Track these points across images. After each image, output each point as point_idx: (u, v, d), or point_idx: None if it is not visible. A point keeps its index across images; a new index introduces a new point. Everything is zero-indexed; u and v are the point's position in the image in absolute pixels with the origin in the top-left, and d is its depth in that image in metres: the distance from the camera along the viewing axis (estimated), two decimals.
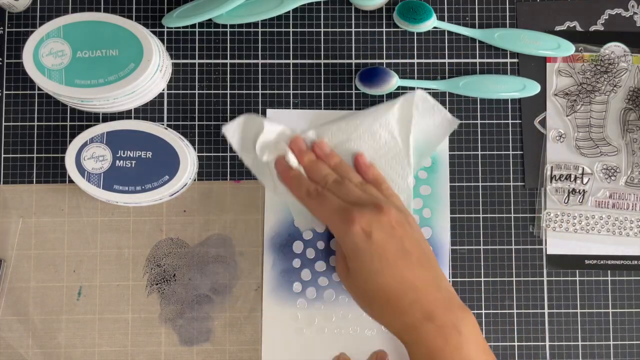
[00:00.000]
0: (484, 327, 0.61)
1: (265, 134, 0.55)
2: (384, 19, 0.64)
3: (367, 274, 0.48)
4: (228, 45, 0.63)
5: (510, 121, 0.63)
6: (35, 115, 0.62)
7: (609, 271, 0.62)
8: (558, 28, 0.64)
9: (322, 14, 0.64)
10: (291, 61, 0.63)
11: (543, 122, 0.63)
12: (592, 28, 0.64)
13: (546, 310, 0.61)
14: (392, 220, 0.49)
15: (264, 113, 0.63)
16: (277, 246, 0.61)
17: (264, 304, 0.60)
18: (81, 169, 0.57)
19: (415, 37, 0.64)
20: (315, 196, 0.51)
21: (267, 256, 0.61)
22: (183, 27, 0.63)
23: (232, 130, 0.56)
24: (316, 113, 0.62)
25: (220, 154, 0.62)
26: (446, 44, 0.64)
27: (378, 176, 0.56)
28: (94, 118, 0.62)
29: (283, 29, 0.63)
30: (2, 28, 0.63)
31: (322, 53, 0.63)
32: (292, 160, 0.55)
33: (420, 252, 0.49)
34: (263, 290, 0.61)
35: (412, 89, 0.63)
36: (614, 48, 0.63)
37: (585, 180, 0.62)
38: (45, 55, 0.56)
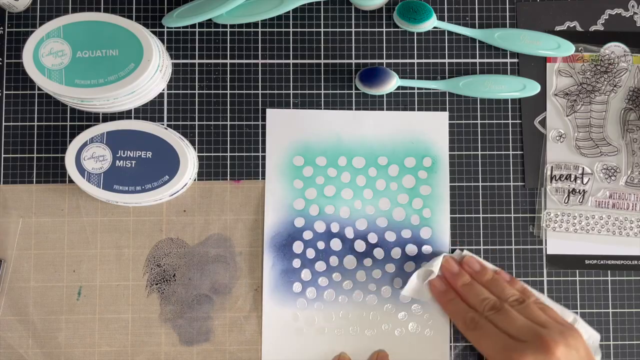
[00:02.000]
0: None
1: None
2: (384, 19, 0.64)
3: None
4: (228, 45, 0.63)
5: (510, 121, 0.63)
6: (35, 115, 0.62)
7: (609, 271, 0.62)
8: (558, 28, 0.64)
9: (322, 14, 0.64)
10: (291, 61, 0.63)
11: (543, 122, 0.63)
12: (592, 28, 0.64)
13: None
14: (560, 357, 0.47)
15: (264, 113, 0.63)
16: (277, 246, 0.61)
17: (264, 304, 0.60)
18: (81, 169, 0.57)
19: (415, 37, 0.64)
20: (474, 327, 0.50)
21: (267, 256, 0.61)
22: (183, 27, 0.63)
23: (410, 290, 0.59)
24: (317, 113, 0.62)
25: (220, 154, 0.62)
26: (446, 44, 0.64)
27: (524, 286, 0.55)
28: (94, 118, 0.62)
29: (283, 29, 0.63)
30: (2, 28, 0.63)
31: (322, 53, 0.63)
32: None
33: None
34: (263, 290, 0.61)
35: (412, 89, 0.63)
36: (614, 48, 0.63)
37: (585, 180, 0.62)
38: (45, 55, 0.56)
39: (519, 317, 0.50)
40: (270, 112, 0.62)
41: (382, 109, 0.63)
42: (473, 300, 0.52)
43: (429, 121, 0.63)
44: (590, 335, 0.58)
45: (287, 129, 0.62)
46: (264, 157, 0.62)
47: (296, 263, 0.61)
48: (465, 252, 0.60)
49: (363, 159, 0.62)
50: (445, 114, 0.63)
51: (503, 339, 0.49)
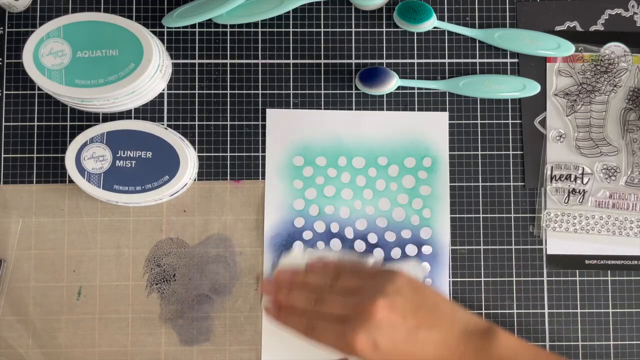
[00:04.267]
0: None
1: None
2: (384, 19, 0.64)
3: None
4: (228, 45, 0.63)
5: (510, 121, 0.63)
6: (35, 115, 0.62)
7: (609, 271, 0.62)
8: (558, 28, 0.64)
9: (322, 14, 0.64)
10: (291, 61, 0.63)
11: (543, 122, 0.63)
12: (592, 28, 0.64)
13: (546, 310, 0.61)
14: (384, 314, 0.47)
15: (264, 113, 0.63)
16: (277, 246, 0.61)
17: (263, 304, 0.60)
18: (81, 169, 0.57)
19: (415, 37, 0.64)
20: (311, 330, 0.50)
21: (267, 256, 0.61)
22: (183, 27, 0.63)
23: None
24: (317, 113, 0.62)
25: (220, 154, 0.62)
26: (446, 44, 0.64)
27: (337, 263, 0.54)
28: (94, 118, 0.62)
29: (283, 29, 0.63)
30: (2, 28, 0.63)
31: (322, 53, 0.63)
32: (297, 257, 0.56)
33: (425, 315, 0.48)
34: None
35: (412, 89, 0.63)
36: (614, 48, 0.63)
37: (585, 180, 0.62)
38: (45, 55, 0.56)
39: (338, 297, 0.50)
40: (271, 112, 0.62)
41: (382, 109, 0.63)
42: (299, 304, 0.51)
43: (429, 121, 0.63)
44: (409, 265, 0.58)
45: (287, 129, 0.62)
46: (264, 157, 0.62)
47: None
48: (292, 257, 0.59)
49: (363, 159, 0.62)
50: (445, 114, 0.63)
51: (335, 327, 0.48)
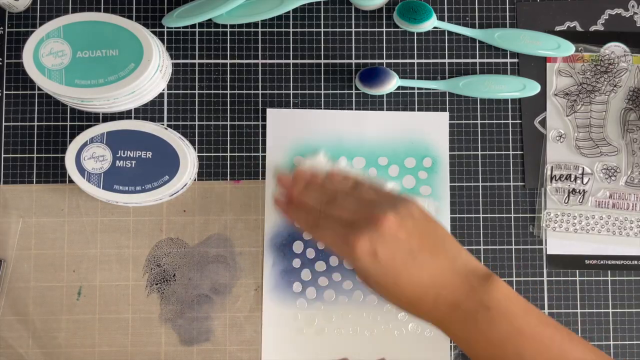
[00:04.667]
0: None
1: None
2: (384, 19, 0.64)
3: (384, 289, 0.48)
4: (228, 45, 0.63)
5: (510, 121, 0.63)
6: (35, 115, 0.62)
7: (609, 271, 0.62)
8: (558, 28, 0.64)
9: (322, 14, 0.64)
10: (291, 61, 0.63)
11: (543, 122, 0.63)
12: (592, 28, 0.64)
13: (546, 311, 0.61)
14: (392, 227, 0.47)
15: (264, 113, 0.63)
16: (277, 246, 0.61)
17: (264, 304, 0.60)
18: (81, 169, 0.57)
19: (415, 37, 0.64)
20: (315, 227, 0.50)
21: (267, 256, 0.61)
22: (183, 27, 0.63)
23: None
24: (317, 113, 0.62)
25: (220, 154, 0.62)
26: (446, 44, 0.64)
27: (358, 177, 0.55)
28: (94, 118, 0.62)
29: (283, 29, 0.63)
30: (2, 28, 0.63)
31: (322, 53, 0.63)
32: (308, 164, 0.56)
33: (430, 242, 0.48)
34: (263, 290, 0.61)
35: (412, 89, 0.63)
36: (614, 48, 0.63)
37: (585, 180, 0.62)
38: (45, 55, 0.55)
39: (351, 201, 0.50)
40: (271, 112, 0.62)
41: (382, 109, 0.63)
42: (310, 202, 0.52)
43: (429, 121, 0.63)
44: (425, 201, 0.59)
45: (287, 128, 0.62)
46: (264, 157, 0.62)
47: (296, 263, 0.61)
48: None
49: (363, 159, 0.62)
50: (446, 114, 0.63)
51: (339, 228, 0.48)
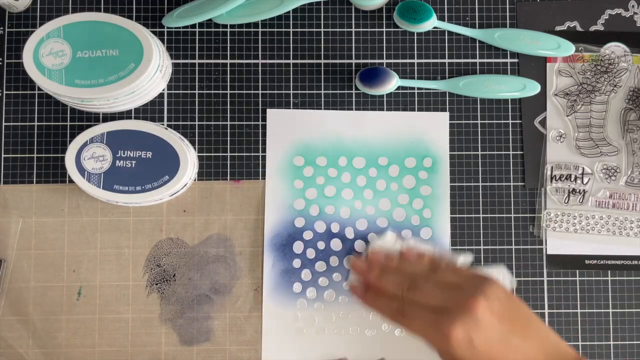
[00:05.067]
0: None
1: None
2: (384, 19, 0.64)
3: None
4: (228, 45, 0.63)
5: (510, 121, 0.63)
6: (35, 115, 0.62)
7: (609, 271, 0.62)
8: (558, 28, 0.64)
9: (322, 14, 0.64)
10: (291, 61, 0.63)
11: (543, 122, 0.63)
12: (592, 28, 0.64)
13: (546, 310, 0.61)
14: (484, 312, 0.46)
15: (264, 113, 0.63)
16: (277, 246, 0.61)
17: (264, 304, 0.60)
18: (81, 169, 0.57)
19: (415, 37, 0.64)
20: (402, 315, 0.49)
21: (267, 256, 0.61)
22: (183, 27, 0.63)
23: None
24: (317, 113, 0.62)
25: (220, 154, 0.62)
26: (446, 44, 0.64)
27: (432, 256, 0.54)
28: (94, 118, 0.62)
29: (283, 29, 0.63)
30: (2, 28, 0.63)
31: (322, 53, 0.63)
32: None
33: (520, 324, 0.48)
34: (263, 290, 0.61)
35: (412, 89, 0.63)
36: (614, 48, 0.63)
37: (585, 180, 0.62)
38: (45, 55, 0.55)
39: (436, 288, 0.49)
40: (271, 112, 0.62)
41: (382, 109, 0.63)
42: (391, 288, 0.51)
43: (429, 121, 0.63)
44: (499, 272, 0.58)
45: (287, 129, 0.62)
46: (264, 157, 0.62)
47: (296, 263, 0.61)
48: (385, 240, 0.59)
49: (363, 159, 0.62)
50: (446, 115, 0.63)
51: (429, 316, 0.48)
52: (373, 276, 0.52)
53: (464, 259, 0.56)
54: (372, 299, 0.52)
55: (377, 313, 0.52)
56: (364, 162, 0.62)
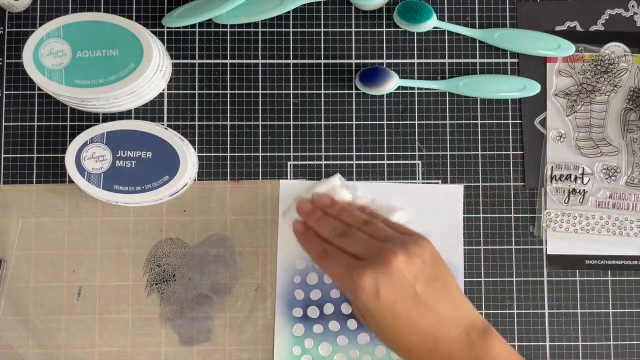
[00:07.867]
0: None
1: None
2: (384, 19, 0.64)
3: (382, 332, 0.48)
4: (228, 45, 0.63)
5: (510, 121, 0.63)
6: (35, 115, 0.62)
7: (609, 271, 0.62)
8: (558, 28, 0.64)
9: (322, 14, 0.64)
10: (291, 61, 0.63)
11: (543, 122, 0.63)
12: (592, 28, 0.64)
13: (546, 310, 0.61)
14: (399, 267, 0.46)
15: (264, 113, 0.62)
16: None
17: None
18: (81, 169, 0.57)
19: (415, 37, 0.64)
20: (323, 257, 0.50)
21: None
22: (183, 27, 0.63)
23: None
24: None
25: (220, 154, 0.62)
26: (446, 44, 0.64)
27: (374, 210, 0.54)
28: (94, 118, 0.62)
29: (283, 29, 0.63)
30: (2, 28, 0.63)
31: (322, 53, 0.63)
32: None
33: (435, 288, 0.47)
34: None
35: (412, 89, 0.63)
36: (614, 48, 0.63)
37: (585, 180, 0.62)
38: (45, 55, 0.56)
39: (363, 236, 0.49)
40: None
41: (382, 109, 0.63)
42: (325, 231, 0.52)
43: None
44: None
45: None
46: (264, 157, 0.62)
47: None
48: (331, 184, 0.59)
49: None
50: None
51: (346, 261, 0.48)
52: (313, 219, 0.53)
53: (398, 217, 0.57)
54: (307, 239, 0.52)
55: (307, 253, 0.52)
56: None
